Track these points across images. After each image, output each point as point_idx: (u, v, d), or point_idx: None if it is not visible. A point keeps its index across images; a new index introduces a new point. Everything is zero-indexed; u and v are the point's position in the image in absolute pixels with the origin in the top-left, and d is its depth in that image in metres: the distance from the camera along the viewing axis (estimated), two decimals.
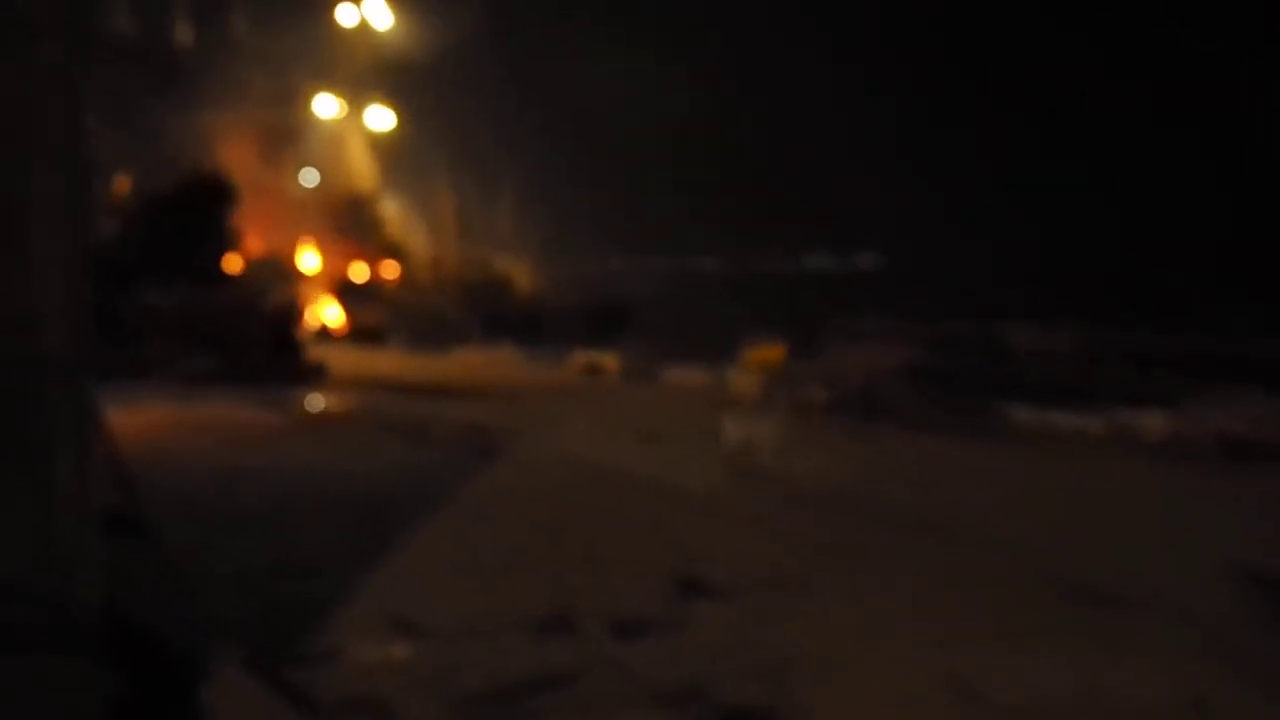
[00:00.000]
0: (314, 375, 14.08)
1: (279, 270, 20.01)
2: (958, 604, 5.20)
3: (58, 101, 2.48)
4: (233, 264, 17.25)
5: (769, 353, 13.62)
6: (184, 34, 22.98)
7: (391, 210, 24.54)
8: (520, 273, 23.46)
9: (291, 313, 16.38)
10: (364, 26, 24.07)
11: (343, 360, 15.60)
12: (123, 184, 16.92)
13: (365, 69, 24.07)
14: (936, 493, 7.83)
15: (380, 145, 24.56)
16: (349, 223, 23.69)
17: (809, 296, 19.43)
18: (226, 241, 16.94)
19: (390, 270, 23.93)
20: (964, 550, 6.16)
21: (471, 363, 17.19)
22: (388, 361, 17.13)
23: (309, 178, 24.28)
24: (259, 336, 14.43)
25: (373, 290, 22.92)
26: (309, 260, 22.98)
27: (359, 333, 21.06)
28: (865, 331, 14.26)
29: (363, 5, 23.94)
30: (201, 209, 16.08)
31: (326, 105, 24.37)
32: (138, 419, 9.26)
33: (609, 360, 15.75)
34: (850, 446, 9.66)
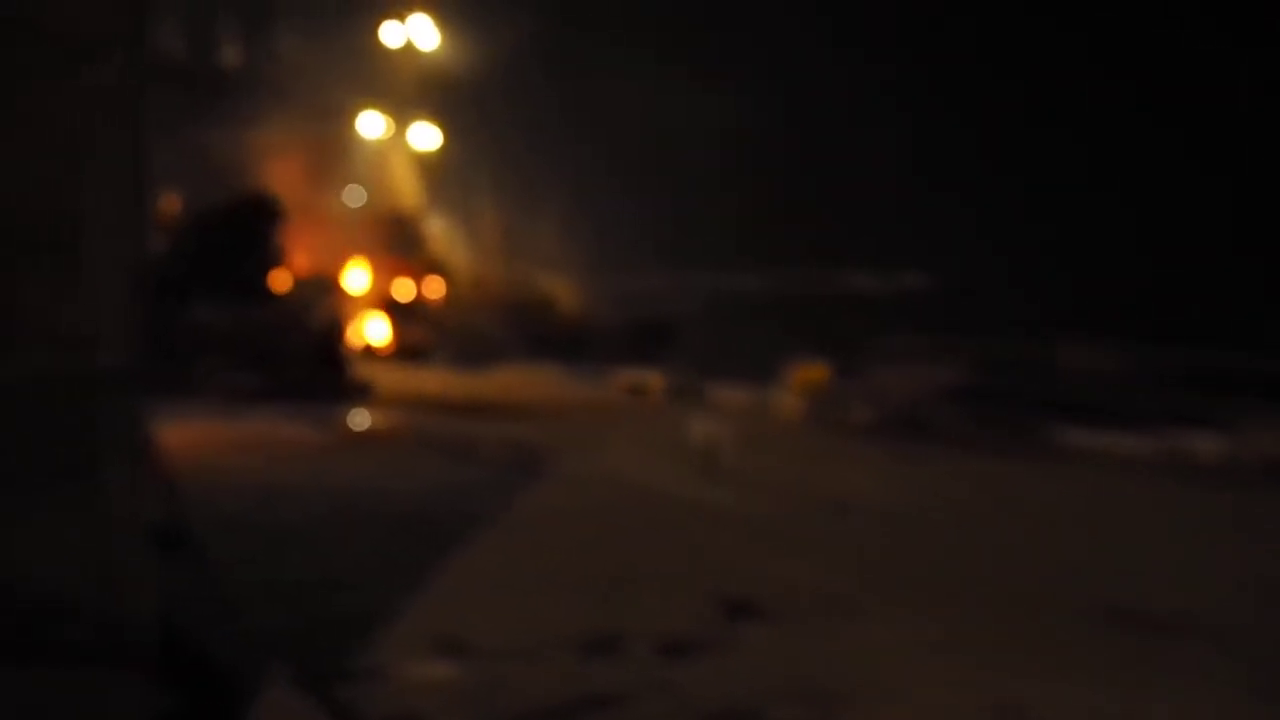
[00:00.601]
0: (359, 392, 14.16)
1: (325, 288, 20.14)
2: (1002, 628, 5.15)
3: (114, 120, 2.51)
4: (279, 281, 17.41)
5: (814, 372, 13.60)
6: (230, 53, 23.25)
7: (436, 228, 24.65)
8: (563, 291, 23.47)
9: (337, 330, 16.49)
10: (409, 46, 24.25)
11: (387, 378, 15.70)
12: (171, 201, 17.12)
13: (411, 87, 24.25)
14: (981, 515, 7.76)
15: (425, 163, 24.72)
16: (394, 241, 23.82)
17: (853, 315, 19.32)
18: (273, 259, 17.08)
19: (434, 288, 24.03)
20: (1008, 573, 6.10)
21: (515, 381, 17.23)
22: (431, 379, 17.21)
23: (354, 196, 24.45)
24: (304, 353, 14.53)
25: (417, 308, 23.03)
26: (354, 278, 23.12)
27: (403, 351, 21.15)
28: (910, 351, 14.13)
29: (408, 23, 24.13)
30: (249, 226, 16.23)
31: (372, 124, 24.54)
32: (183, 435, 9.33)
33: (653, 379, 15.73)
34: (895, 467, 9.58)
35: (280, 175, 20.23)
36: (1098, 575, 6.08)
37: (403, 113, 24.20)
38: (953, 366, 13.09)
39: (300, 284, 18.82)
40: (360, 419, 12.50)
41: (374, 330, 22.13)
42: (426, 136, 24.56)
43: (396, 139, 24.48)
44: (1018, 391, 12.15)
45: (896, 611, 5.36)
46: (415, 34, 24.01)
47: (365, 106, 24.04)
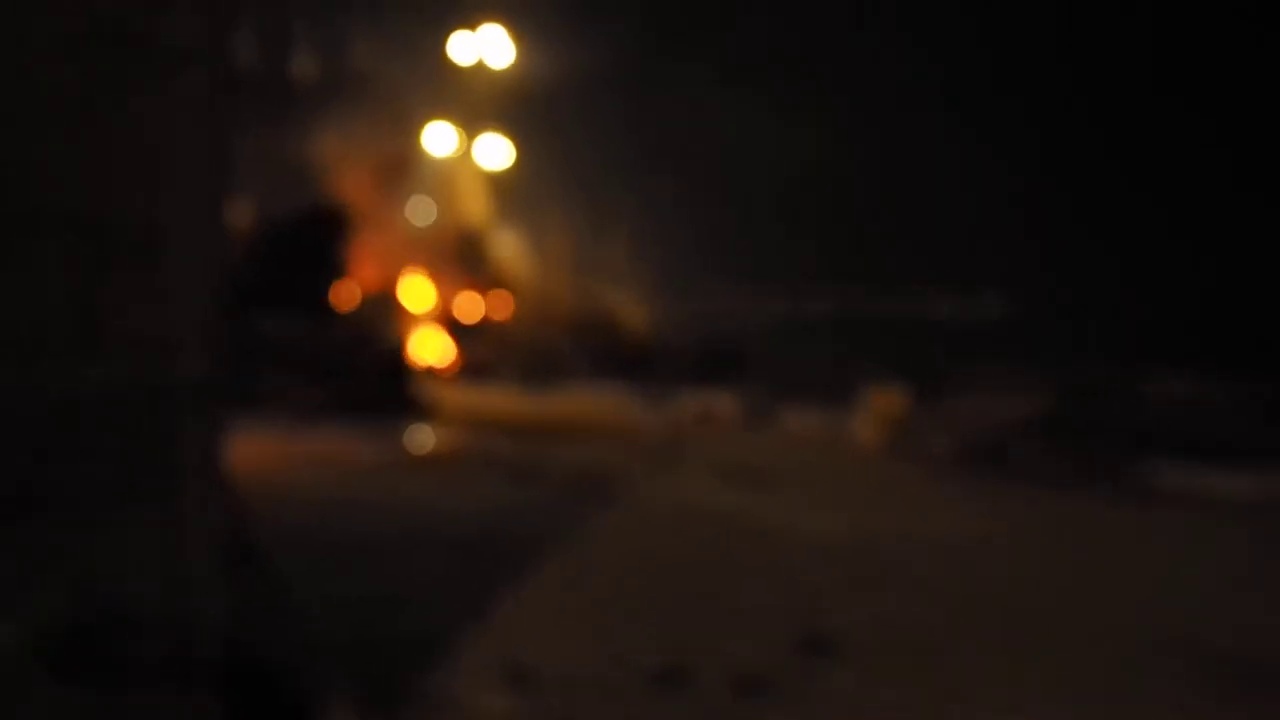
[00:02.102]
0: (422, 411, 14.31)
1: (391, 304, 20.38)
2: (1092, 673, 5.04)
3: (198, 129, 2.56)
4: (346, 295, 17.64)
5: (890, 400, 13.49)
6: (301, 63, 23.62)
7: (503, 244, 24.83)
8: (631, 310, 23.52)
9: (402, 348, 16.67)
10: (482, 61, 24.49)
11: (451, 397, 15.84)
12: (240, 210, 17.41)
13: (482, 103, 24.48)
14: (1068, 555, 7.63)
15: (494, 178, 24.91)
16: (460, 257, 24.03)
17: (931, 340, 19.13)
18: (340, 272, 17.33)
19: (500, 306, 24.20)
20: (1096, 617, 5.98)
21: (581, 403, 17.30)
22: (496, 399, 17.31)
23: (422, 210, 24.71)
24: (370, 370, 14.73)
25: (482, 326, 23.19)
26: (420, 295, 23.35)
27: (467, 369, 21.29)
28: (991, 379, 13.97)
29: (481, 36, 24.35)
30: (318, 239, 16.49)
31: (441, 137, 24.78)
32: (249, 448, 9.45)
33: (723, 403, 15.71)
34: (976, 502, 9.46)
35: (349, 189, 20.50)
36: (1192, 620, 5.94)
37: (473, 127, 24.43)
38: (1036, 397, 12.90)
39: (366, 299, 19.06)
40: (424, 438, 12.61)
41: (438, 348, 22.31)
42: (496, 152, 24.77)
43: (466, 154, 24.70)
44: (1106, 425, 11.92)
45: (982, 653, 5.27)
46: (488, 49, 24.24)
47: (434, 120, 24.30)
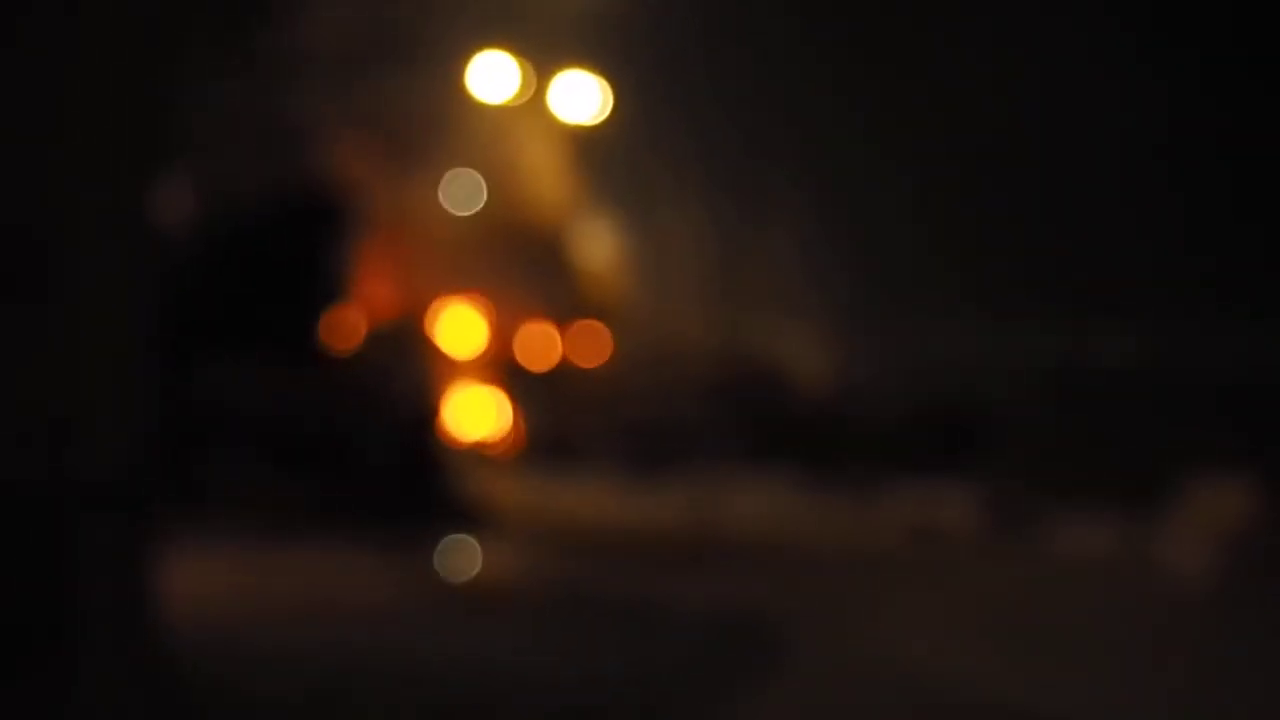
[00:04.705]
0: (466, 516, 14.48)
1: (415, 344, 20.64)
2: None
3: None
4: (343, 331, 17.90)
5: (1226, 499, 13.42)
6: None
7: (597, 249, 25.00)
8: (805, 353, 23.54)
9: (433, 413, 16.85)
10: None
11: (513, 492, 16.02)
12: (183, 203, 17.80)
13: (559, 21, 24.80)
14: None
15: (581, 142, 25.14)
16: (526, 270, 24.28)
17: None
18: (334, 294, 17.61)
19: (590, 347, 24.39)
20: None
21: (725, 502, 17.43)
22: (588, 495, 17.48)
23: (463, 193, 25.04)
24: (381, 451, 14.93)
25: (563, 379, 23.36)
26: (462, 329, 23.62)
27: (541, 446, 21.45)
28: None
29: None
30: (297, 241, 16.75)
31: (494, 77, 25.10)
32: (193, 581, 9.68)
33: (954, 507, 15.70)
34: None
35: (346, 165, 20.85)
36: None
37: (546, 60, 24.72)
38: None
39: (376, 338, 19.32)
40: (468, 559, 12.77)
41: (491, 413, 22.51)
42: (583, 98, 24.99)
43: (534, 101, 24.96)
44: None
45: None
46: None
47: (484, 50, 24.62)
